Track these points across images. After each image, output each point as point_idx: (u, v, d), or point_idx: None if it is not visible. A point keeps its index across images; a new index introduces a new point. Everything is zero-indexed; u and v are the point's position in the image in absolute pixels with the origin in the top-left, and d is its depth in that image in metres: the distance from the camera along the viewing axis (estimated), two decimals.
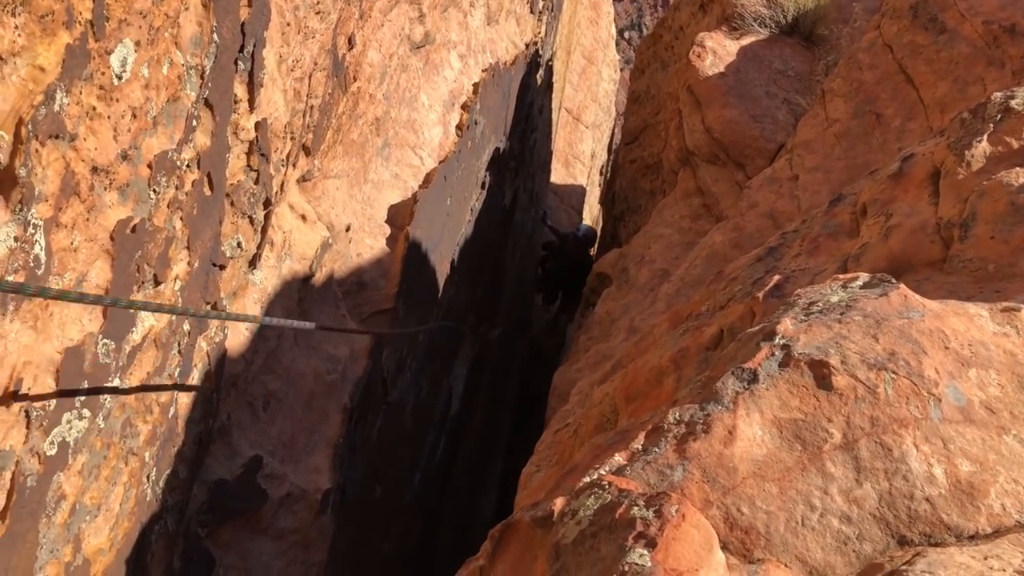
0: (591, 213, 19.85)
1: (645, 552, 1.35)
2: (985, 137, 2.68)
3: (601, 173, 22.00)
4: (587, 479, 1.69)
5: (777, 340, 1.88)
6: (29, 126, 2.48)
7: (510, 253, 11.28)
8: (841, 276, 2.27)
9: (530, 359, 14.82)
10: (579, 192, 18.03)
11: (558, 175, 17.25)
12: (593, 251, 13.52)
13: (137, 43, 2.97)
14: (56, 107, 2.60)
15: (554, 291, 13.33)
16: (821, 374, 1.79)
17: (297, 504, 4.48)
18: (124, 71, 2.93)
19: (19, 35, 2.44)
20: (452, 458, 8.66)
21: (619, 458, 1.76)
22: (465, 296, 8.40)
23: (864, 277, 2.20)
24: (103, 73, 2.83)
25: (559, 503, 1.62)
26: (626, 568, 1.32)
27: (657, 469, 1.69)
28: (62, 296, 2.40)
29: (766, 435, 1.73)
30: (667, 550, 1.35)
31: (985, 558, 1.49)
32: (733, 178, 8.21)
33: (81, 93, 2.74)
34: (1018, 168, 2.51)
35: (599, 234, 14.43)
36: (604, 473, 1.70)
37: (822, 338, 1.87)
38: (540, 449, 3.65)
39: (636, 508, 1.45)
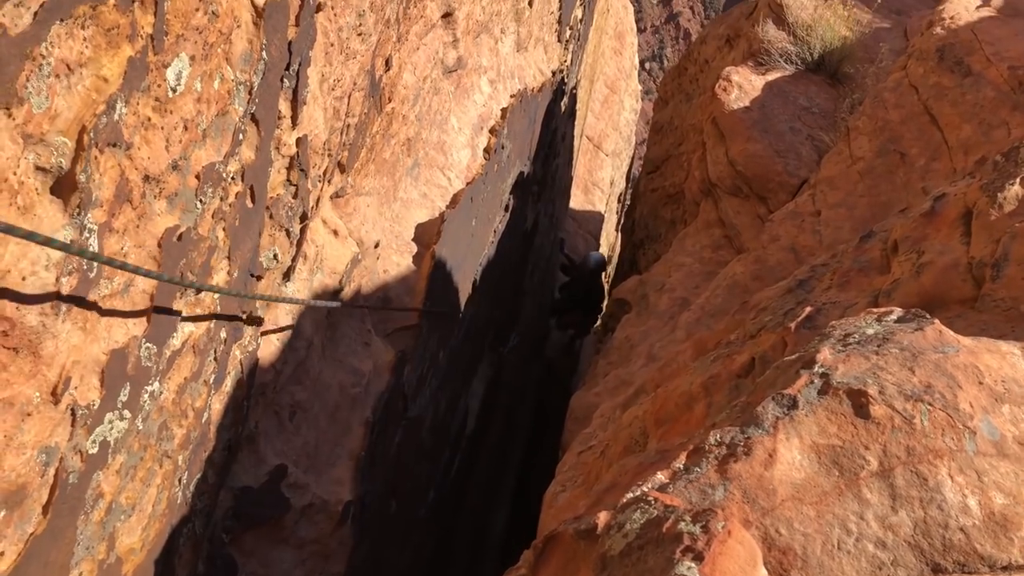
0: (608, 240, 19.94)
1: (692, 565, 1.40)
2: (1018, 180, 2.74)
3: (619, 201, 22.12)
4: (631, 495, 1.75)
5: (816, 368, 1.94)
6: (91, 134, 2.57)
7: (529, 275, 11.36)
8: (875, 310, 2.33)
9: (544, 380, 14.88)
10: (597, 219, 18.12)
11: (577, 201, 17.36)
12: (606, 276, 13.71)
13: (192, 58, 3.07)
14: (116, 116, 2.69)
15: (569, 315, 13.53)
16: (859, 403, 1.85)
17: (318, 515, 4.54)
18: (179, 84, 3.02)
19: (87, 47, 2.53)
20: (467, 476, 8.69)
21: (661, 476, 1.82)
22: (485, 315, 8.47)
23: (898, 312, 2.26)
24: (159, 85, 2.92)
25: (603, 517, 1.68)
26: None
27: (699, 488, 1.75)
28: (109, 262, 2.50)
29: (805, 460, 1.78)
30: (714, 564, 1.40)
31: None
32: (755, 211, 8.28)
33: (139, 104, 2.83)
34: None
35: (618, 260, 14.57)
36: (647, 490, 1.76)
37: (860, 368, 1.92)
38: (563, 470, 3.70)
39: (683, 523, 1.50)
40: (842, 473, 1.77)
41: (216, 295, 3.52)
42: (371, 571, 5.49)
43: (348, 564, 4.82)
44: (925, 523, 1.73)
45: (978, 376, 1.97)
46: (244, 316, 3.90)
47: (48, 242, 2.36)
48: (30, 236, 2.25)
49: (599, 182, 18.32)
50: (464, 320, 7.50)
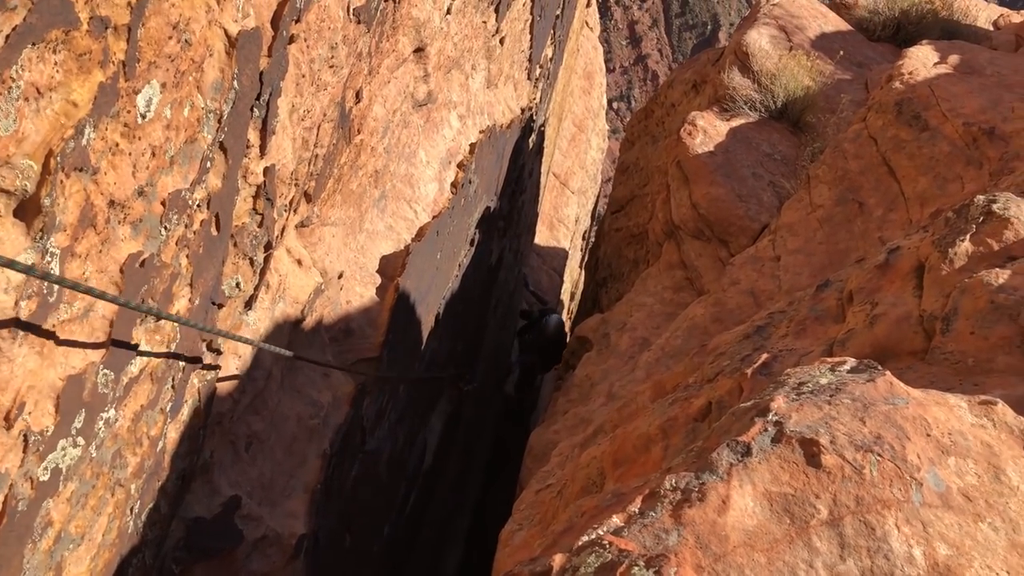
0: (572, 276, 20.06)
1: None
2: (968, 237, 2.83)
3: (584, 238, 22.29)
4: (586, 538, 1.77)
5: (770, 416, 1.98)
6: (58, 158, 2.56)
7: (492, 310, 11.38)
8: (829, 359, 2.38)
9: (503, 416, 14.84)
10: (561, 255, 18.24)
11: (542, 237, 17.47)
12: (568, 316, 13.69)
13: (163, 85, 3.08)
14: (84, 141, 2.69)
15: (530, 360, 13.43)
16: (811, 452, 1.89)
17: (271, 547, 4.48)
18: (148, 111, 3.02)
19: (58, 71, 2.53)
20: (422, 512, 8.62)
21: (616, 520, 1.84)
22: (447, 349, 8.46)
23: (852, 362, 2.31)
24: (128, 112, 2.92)
25: (558, 559, 1.69)
26: None
27: (653, 532, 1.77)
28: (74, 287, 2.47)
29: (757, 507, 1.82)
30: None
31: None
32: (716, 254, 8.40)
33: (107, 129, 2.83)
34: (998, 269, 2.65)
35: (581, 298, 14.61)
36: (603, 533, 1.78)
37: (813, 417, 1.97)
38: (521, 508, 3.70)
39: (636, 568, 1.52)
40: (793, 521, 1.81)
41: (176, 323, 3.49)
42: None
43: None
44: (872, 572, 1.76)
45: (926, 428, 2.02)
46: (204, 345, 3.87)
47: (10, 264, 2.34)
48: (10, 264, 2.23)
49: (564, 219, 18.46)
50: (425, 353, 7.49)
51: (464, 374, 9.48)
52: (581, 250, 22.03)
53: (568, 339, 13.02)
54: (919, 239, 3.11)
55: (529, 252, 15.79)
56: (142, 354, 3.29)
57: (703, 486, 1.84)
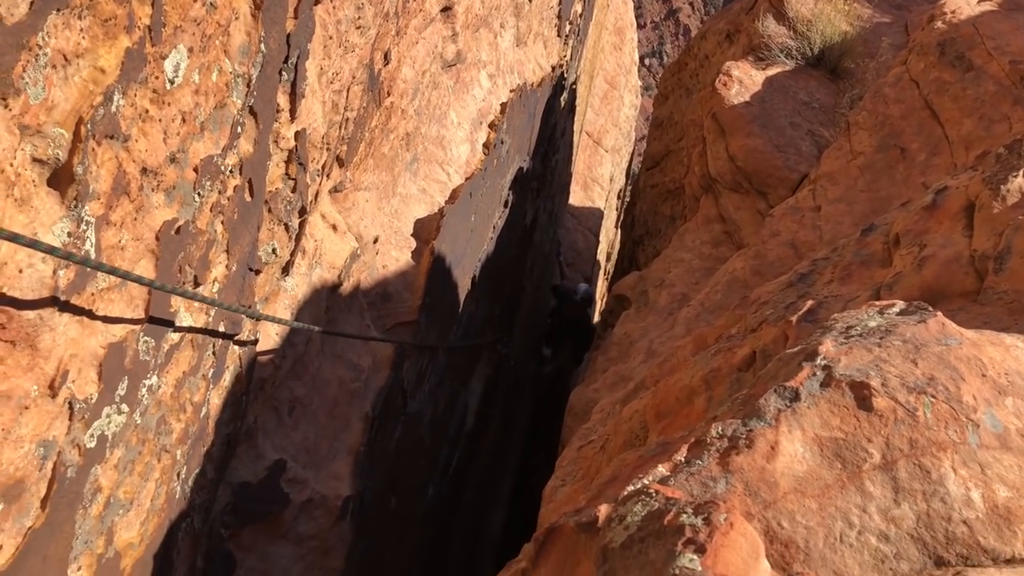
0: (607, 236, 19.92)
1: (695, 557, 1.39)
2: (1021, 173, 2.72)
3: (619, 197, 22.09)
4: (631, 487, 1.73)
5: (819, 361, 1.92)
6: (88, 126, 2.55)
7: (528, 272, 11.34)
8: (877, 303, 2.31)
9: (541, 379, 14.80)
10: (596, 215, 18.11)
11: (576, 197, 17.34)
12: (605, 274, 13.42)
13: (190, 50, 3.05)
14: (113, 108, 2.67)
15: (560, 337, 13.10)
16: (862, 395, 1.83)
17: (317, 510, 4.52)
18: (177, 76, 3.00)
19: (83, 37, 2.51)
20: (464, 474, 8.68)
21: (662, 469, 1.80)
22: (484, 312, 8.45)
23: (901, 304, 2.24)
24: (157, 77, 2.90)
25: (604, 509, 1.66)
26: (676, 571, 1.36)
27: (700, 481, 1.73)
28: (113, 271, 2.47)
29: (807, 452, 1.77)
30: (716, 556, 1.39)
31: None
32: (755, 206, 8.26)
33: (136, 96, 2.81)
34: None
35: (617, 257, 14.44)
36: (649, 482, 1.74)
37: (863, 360, 1.91)
38: (563, 465, 3.68)
39: (685, 515, 1.49)
40: (845, 466, 1.76)
41: (214, 288, 3.50)
42: (369, 567, 5.48)
43: (347, 560, 4.81)
44: (928, 516, 1.71)
45: (981, 369, 1.95)
46: (243, 311, 3.88)
47: (52, 251, 2.35)
48: (33, 244, 2.24)
49: (598, 178, 18.30)
50: (463, 316, 7.48)
51: (502, 338, 9.47)
52: (616, 209, 21.84)
53: (604, 298, 12.90)
54: (967, 178, 3.01)
55: (563, 213, 15.69)
56: (178, 330, 3.30)
57: (751, 433, 1.80)
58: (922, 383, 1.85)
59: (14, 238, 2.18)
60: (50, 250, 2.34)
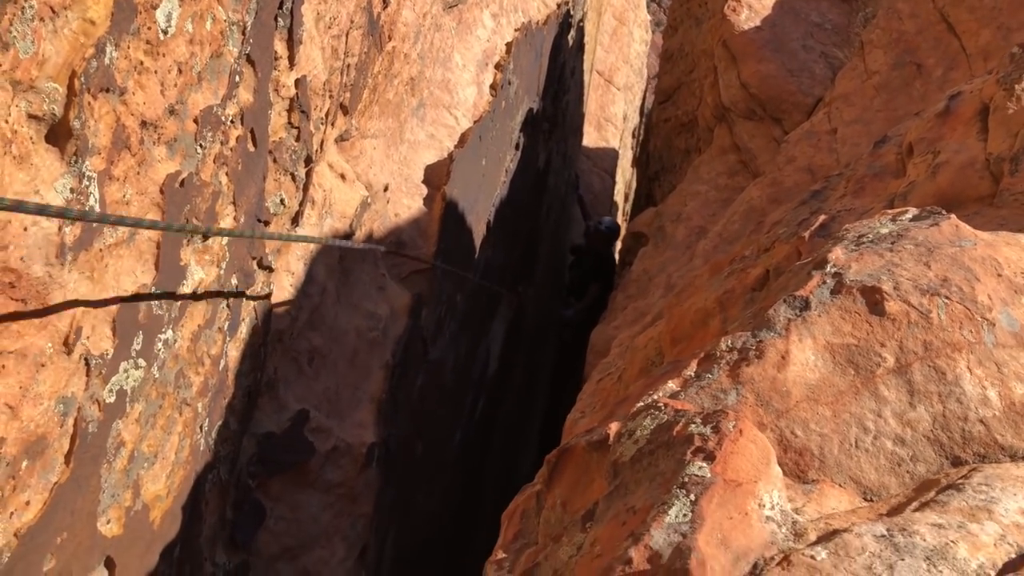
0: (624, 176, 19.74)
1: (704, 464, 1.37)
2: None
3: (633, 136, 21.83)
4: (641, 404, 1.72)
5: (828, 268, 1.89)
6: (82, 79, 2.52)
7: (544, 216, 11.27)
8: (890, 211, 2.26)
9: (565, 325, 14.76)
10: (611, 155, 17.91)
11: (590, 138, 17.14)
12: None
13: None
14: (106, 60, 2.64)
15: (583, 290, 12.70)
16: (873, 300, 1.80)
17: (343, 458, 4.57)
18: (169, 26, 2.96)
19: None
20: (492, 418, 8.74)
21: (672, 384, 1.79)
22: (501, 257, 8.42)
23: (913, 210, 2.20)
24: (149, 28, 2.86)
25: (614, 427, 1.65)
26: (686, 479, 1.35)
27: (711, 393, 1.71)
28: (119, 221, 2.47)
29: (819, 360, 1.74)
30: (726, 462, 1.37)
31: None
32: (770, 133, 8.13)
33: (129, 47, 2.77)
34: None
35: (634, 196, 14.27)
36: (658, 397, 1.73)
37: (874, 266, 1.87)
38: (583, 397, 3.69)
39: (693, 425, 1.47)
40: (858, 372, 1.73)
41: (224, 241, 3.50)
42: (400, 513, 5.55)
43: (376, 505, 4.87)
44: (944, 417, 1.69)
45: (996, 268, 1.91)
46: (255, 262, 3.88)
47: (62, 213, 2.33)
48: (42, 210, 2.22)
49: (612, 118, 18.07)
50: (479, 262, 7.46)
51: (524, 282, 9.43)
52: (632, 148, 21.60)
53: (622, 240, 12.76)
54: (981, 81, 2.92)
55: (578, 155, 15.53)
56: (184, 298, 3.30)
57: (760, 343, 1.77)
58: (935, 285, 1.82)
59: (18, 207, 2.16)
60: (60, 213, 2.32)
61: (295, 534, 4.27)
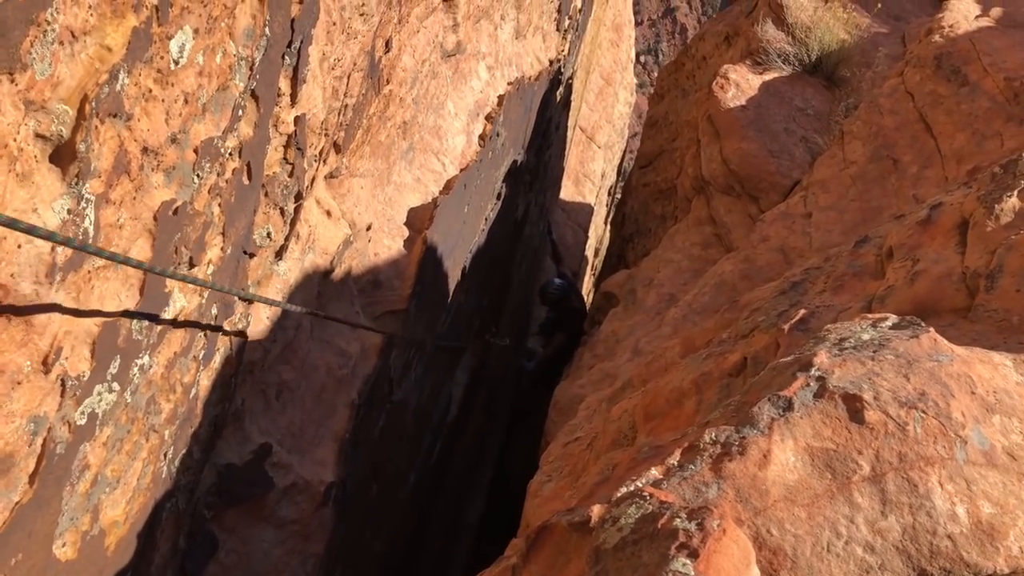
0: (596, 232, 19.96)
1: (688, 562, 1.41)
2: (1015, 193, 2.76)
3: (609, 194, 22.12)
4: (624, 489, 1.76)
5: (813, 371, 1.95)
6: (93, 103, 2.55)
7: (517, 265, 11.36)
8: (870, 315, 2.34)
9: (523, 373, 14.73)
10: (587, 210, 18.12)
11: (567, 192, 17.35)
12: (592, 270, 13.13)
13: (196, 31, 3.04)
14: (118, 87, 2.67)
15: (550, 335, 12.66)
16: (854, 408, 1.86)
17: (300, 495, 4.54)
18: (181, 57, 3.00)
19: (92, 15, 2.51)
20: (446, 463, 8.71)
21: (655, 472, 1.83)
22: (473, 303, 8.47)
23: (893, 318, 2.28)
24: (162, 57, 2.90)
25: (597, 510, 1.69)
26: (669, 575, 1.38)
27: (693, 485, 1.76)
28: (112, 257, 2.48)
29: (798, 461, 1.80)
30: (708, 561, 1.41)
31: None
32: (746, 210, 8.30)
33: (140, 75, 2.80)
34: None
35: (606, 255, 14.36)
36: (642, 485, 1.77)
37: (856, 373, 1.94)
38: (549, 460, 3.71)
39: (678, 520, 1.51)
40: (835, 476, 1.79)
41: (208, 271, 3.50)
42: (347, 553, 5.50)
43: (327, 545, 4.83)
44: (914, 529, 1.75)
45: (971, 386, 1.99)
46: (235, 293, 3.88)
47: (50, 236, 2.34)
48: (31, 231, 2.23)
49: (590, 174, 18.32)
50: (451, 307, 7.50)
51: (493, 329, 9.45)
52: (607, 206, 21.87)
53: (591, 294, 12.84)
54: (962, 195, 3.04)
55: (554, 207, 15.70)
56: (165, 323, 3.30)
57: (744, 440, 1.82)
58: (913, 398, 1.89)
59: (12, 224, 2.17)
60: (48, 236, 2.32)
61: (244, 568, 4.22)
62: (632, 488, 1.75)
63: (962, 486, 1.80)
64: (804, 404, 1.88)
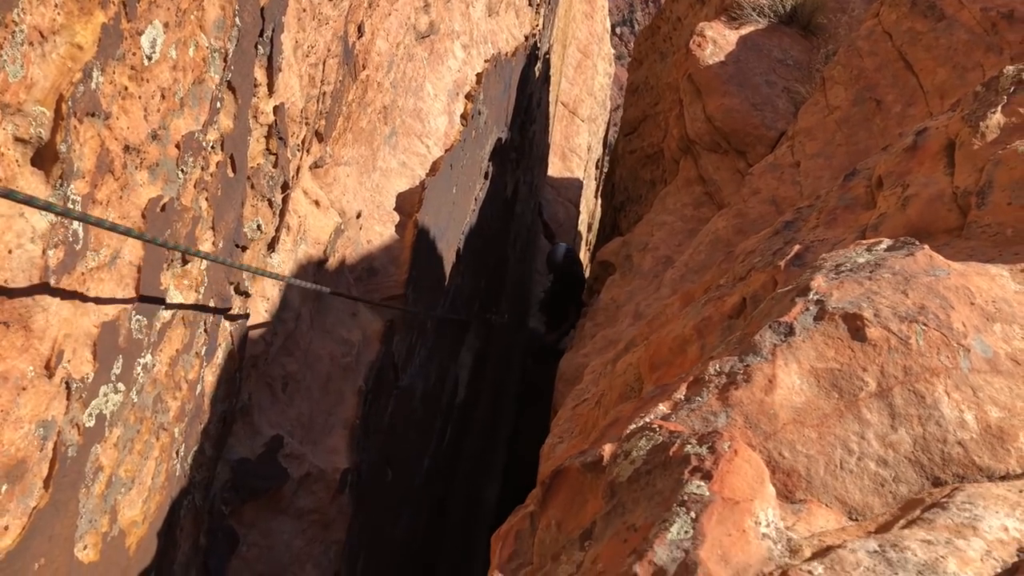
0: (588, 206, 19.93)
1: (702, 483, 1.42)
2: (999, 109, 2.75)
3: (597, 167, 22.08)
4: (634, 426, 1.76)
5: (811, 296, 1.95)
6: (69, 103, 2.53)
7: (511, 244, 11.35)
8: (864, 241, 2.35)
9: (528, 352, 14.78)
10: (576, 185, 18.10)
11: (555, 168, 17.32)
12: (587, 244, 13.23)
13: (166, 25, 3.03)
14: (93, 85, 2.65)
15: (559, 312, 12.72)
16: (855, 326, 1.87)
17: (316, 484, 4.55)
18: (154, 52, 2.98)
19: (59, 13, 2.49)
20: (458, 446, 8.73)
21: (663, 407, 1.83)
22: (470, 285, 8.46)
23: (888, 241, 2.28)
24: (134, 53, 2.88)
25: (609, 448, 1.69)
26: (685, 497, 1.39)
27: (701, 416, 1.76)
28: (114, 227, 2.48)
29: (804, 384, 1.80)
30: (723, 481, 1.42)
31: (1020, 491, 1.57)
32: (735, 166, 8.29)
33: (114, 73, 2.79)
34: None
35: (599, 226, 14.39)
36: (651, 419, 1.77)
37: (854, 293, 1.94)
38: (559, 423, 3.72)
39: (689, 446, 1.52)
40: (841, 395, 1.79)
41: (203, 266, 3.50)
42: (369, 539, 5.52)
43: (348, 532, 4.84)
44: (924, 439, 1.75)
45: (969, 297, 1.99)
46: (231, 288, 3.88)
47: (49, 206, 2.33)
48: (29, 201, 2.22)
49: (576, 148, 18.28)
50: (450, 289, 7.49)
51: (492, 309, 9.47)
52: (596, 179, 21.84)
53: (588, 267, 12.86)
54: (947, 119, 3.04)
55: (543, 184, 15.67)
56: (169, 307, 3.30)
57: (748, 368, 1.83)
58: (913, 312, 1.89)
59: (8, 194, 2.16)
60: (46, 207, 2.31)
61: (267, 561, 4.24)
62: (641, 424, 1.75)
63: (968, 394, 1.80)
64: (805, 328, 1.88)
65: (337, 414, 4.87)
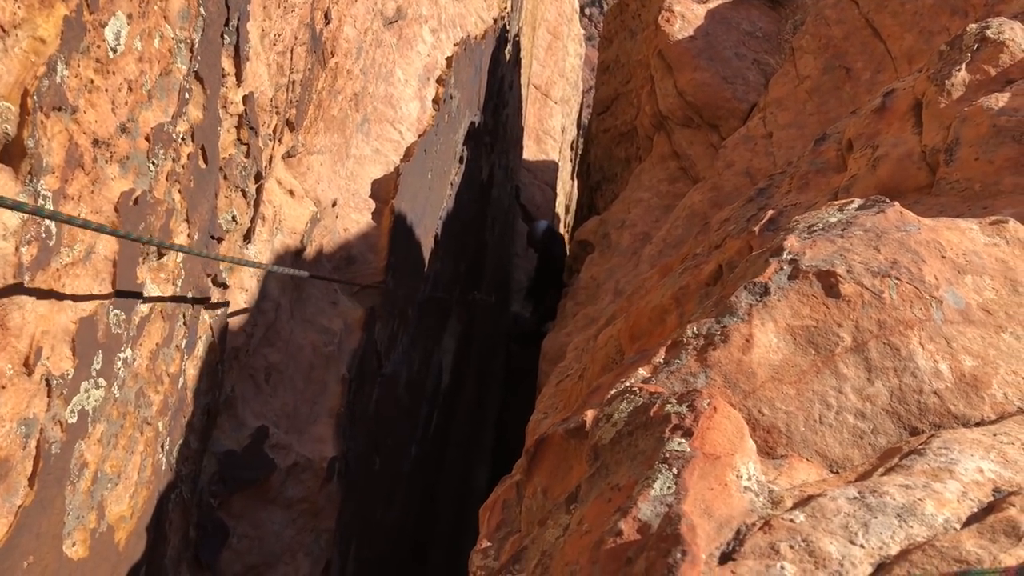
0: (564, 188, 19.93)
1: (683, 440, 1.43)
2: (964, 66, 2.78)
3: (572, 148, 22.07)
4: (615, 391, 1.78)
5: (785, 255, 1.98)
6: (34, 97, 2.51)
7: (490, 228, 11.34)
8: (836, 202, 2.37)
9: (512, 336, 14.81)
10: (552, 168, 18.09)
11: (530, 151, 17.30)
12: (565, 227, 13.26)
13: (129, 16, 3.00)
14: (58, 79, 2.63)
15: (543, 290, 12.76)
16: (829, 283, 1.89)
17: (304, 473, 4.55)
18: (119, 44, 2.96)
19: (19, 7, 2.47)
20: (445, 431, 8.74)
21: (643, 371, 1.85)
22: (450, 270, 8.46)
23: (859, 200, 2.30)
24: (99, 46, 2.85)
25: (591, 413, 1.71)
26: (667, 455, 1.41)
27: (681, 378, 1.78)
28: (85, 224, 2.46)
29: (781, 342, 1.83)
30: (703, 437, 1.44)
31: (994, 435, 1.60)
32: (708, 140, 8.32)
33: (80, 66, 2.76)
34: (997, 93, 2.62)
35: (576, 206, 14.40)
36: (632, 383, 1.79)
37: (827, 251, 1.96)
38: (544, 399, 3.74)
39: (669, 405, 1.54)
40: (818, 351, 1.82)
41: (179, 259, 3.48)
42: (360, 526, 5.53)
43: (338, 520, 4.85)
44: (901, 391, 1.78)
45: (940, 250, 2.02)
46: (209, 279, 3.86)
47: (40, 211, 2.31)
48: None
49: (550, 130, 18.26)
50: (429, 275, 7.49)
51: (475, 294, 9.49)
52: (571, 160, 21.84)
53: (567, 245, 12.88)
54: (913, 79, 3.07)
55: (518, 167, 15.65)
56: (147, 300, 3.28)
57: (725, 329, 1.85)
58: (885, 267, 1.92)
59: None
60: (17, 205, 2.30)
61: (259, 552, 4.24)
62: (622, 388, 1.77)
63: (942, 344, 1.83)
64: (780, 287, 1.90)
65: (321, 403, 4.87)
